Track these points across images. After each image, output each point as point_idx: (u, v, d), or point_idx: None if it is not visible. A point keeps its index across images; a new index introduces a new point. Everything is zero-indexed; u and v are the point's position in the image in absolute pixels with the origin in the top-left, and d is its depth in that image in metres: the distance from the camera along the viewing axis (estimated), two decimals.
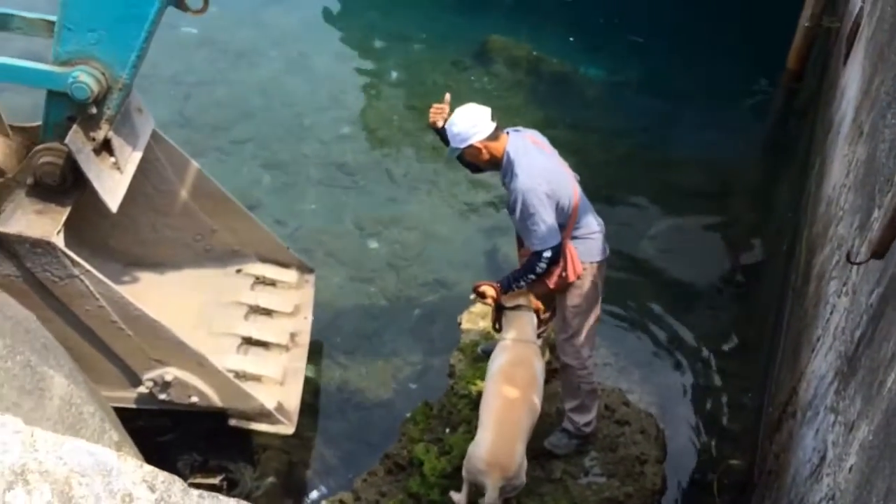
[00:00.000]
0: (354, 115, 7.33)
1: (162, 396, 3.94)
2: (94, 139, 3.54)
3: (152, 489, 1.26)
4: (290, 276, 4.86)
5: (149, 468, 1.29)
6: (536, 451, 4.13)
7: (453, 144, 3.67)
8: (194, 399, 3.95)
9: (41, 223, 3.53)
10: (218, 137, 6.74)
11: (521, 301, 3.91)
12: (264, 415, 4.05)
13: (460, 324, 4.96)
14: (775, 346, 4.91)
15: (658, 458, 4.25)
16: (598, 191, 6.46)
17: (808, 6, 7.20)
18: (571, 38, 8.47)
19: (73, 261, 3.51)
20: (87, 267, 3.55)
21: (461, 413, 4.33)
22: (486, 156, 3.67)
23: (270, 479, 4.31)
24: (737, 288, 5.78)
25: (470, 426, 4.16)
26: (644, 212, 6.34)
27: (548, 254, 3.56)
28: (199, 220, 4.65)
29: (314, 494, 4.37)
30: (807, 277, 4.33)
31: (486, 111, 3.67)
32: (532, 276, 3.67)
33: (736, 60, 7.99)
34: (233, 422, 4.07)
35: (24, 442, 1.22)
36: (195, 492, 1.33)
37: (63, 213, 3.61)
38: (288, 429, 4.13)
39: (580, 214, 3.75)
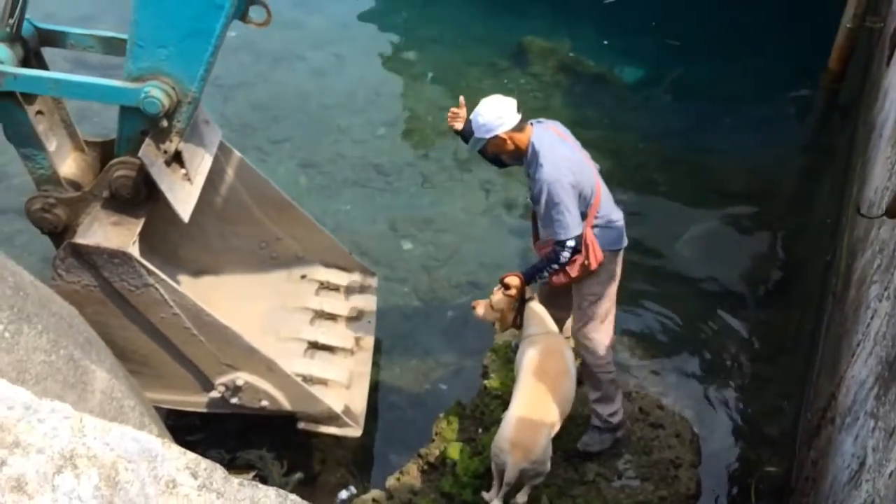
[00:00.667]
0: (390, 116, 7.39)
1: (233, 401, 4.03)
2: (165, 152, 3.62)
3: (195, 476, 1.30)
4: (353, 280, 4.98)
5: (192, 455, 1.32)
6: (570, 452, 4.13)
7: (478, 135, 3.64)
8: (264, 403, 4.03)
9: (117, 234, 3.62)
10: (256, 138, 6.83)
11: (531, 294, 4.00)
12: (332, 418, 4.12)
13: (493, 325, 4.95)
14: (814, 351, 4.83)
15: (693, 462, 4.21)
16: (635, 192, 6.46)
17: (850, 7, 7.09)
18: (608, 40, 8.44)
19: (148, 270, 3.60)
20: (162, 276, 3.64)
21: (494, 414, 4.33)
22: (510, 147, 3.66)
23: (298, 475, 4.35)
24: (775, 292, 5.69)
25: None
26: (681, 214, 6.28)
27: (571, 243, 3.57)
28: (264, 227, 4.78)
29: (344, 494, 4.40)
30: (847, 282, 4.26)
31: (512, 102, 3.64)
32: (556, 266, 3.67)
33: (776, 62, 7.89)
34: (301, 425, 4.15)
35: (73, 427, 1.26)
36: (235, 479, 1.36)
37: (138, 225, 3.70)
38: (355, 431, 4.20)
39: (601, 204, 3.76)
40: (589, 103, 7.53)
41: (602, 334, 3.96)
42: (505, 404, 4.26)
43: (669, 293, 5.53)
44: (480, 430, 4.29)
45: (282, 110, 7.26)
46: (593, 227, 3.74)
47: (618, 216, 3.87)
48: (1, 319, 2.83)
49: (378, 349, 4.85)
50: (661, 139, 7.13)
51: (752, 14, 8.37)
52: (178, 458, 1.29)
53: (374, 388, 5.01)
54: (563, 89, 7.73)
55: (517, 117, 3.62)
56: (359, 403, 4.36)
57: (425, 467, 4.26)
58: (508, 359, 4.63)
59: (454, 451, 4.11)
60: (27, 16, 3.55)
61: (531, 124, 3.73)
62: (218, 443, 4.37)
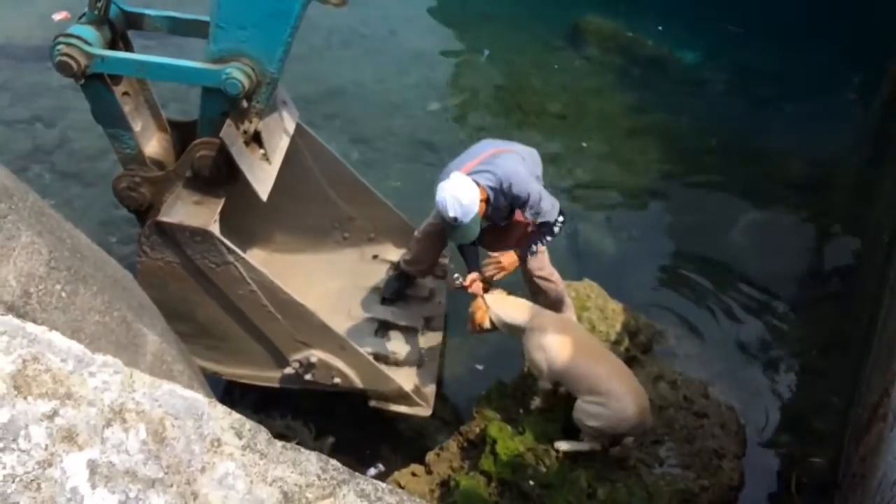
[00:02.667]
0: (443, 93, 7.36)
1: (307, 377, 4.11)
2: (245, 132, 3.68)
3: (239, 436, 1.32)
4: None
5: (237, 416, 1.35)
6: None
7: (471, 216, 3.72)
8: (337, 380, 4.11)
9: (199, 213, 3.69)
10: (309, 112, 6.84)
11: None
12: (402, 397, 4.20)
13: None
14: (868, 347, 4.69)
15: (737, 453, 4.13)
16: (689, 178, 6.35)
17: None
18: (666, 24, 8.23)
19: (228, 248, 3.67)
20: (241, 254, 3.71)
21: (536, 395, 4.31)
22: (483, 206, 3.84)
23: (330, 439, 4.43)
24: (830, 284, 5.55)
25: None
26: (736, 202, 6.16)
27: (561, 217, 4.00)
28: (337, 208, 4.86)
29: (371, 471, 4.45)
30: None
31: (463, 180, 3.75)
32: (550, 238, 4.05)
33: (840, 50, 7.65)
34: (373, 403, 4.24)
35: (123, 382, 1.29)
36: (279, 443, 1.38)
37: (218, 204, 3.77)
38: (425, 411, 4.28)
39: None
40: (645, 86, 7.40)
41: (551, 266, 4.39)
42: None
43: (721, 281, 5.43)
44: (522, 411, 4.27)
45: (335, 85, 7.29)
46: None
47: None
48: (58, 279, 2.90)
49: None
50: (718, 125, 6.98)
51: (821, 2, 8.09)
52: (223, 418, 1.31)
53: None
54: (619, 71, 7.60)
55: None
56: (429, 383, 4.43)
57: (465, 444, 4.26)
58: None
59: (495, 429, 4.10)
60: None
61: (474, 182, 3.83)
62: (247, 406, 4.43)
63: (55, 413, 1.21)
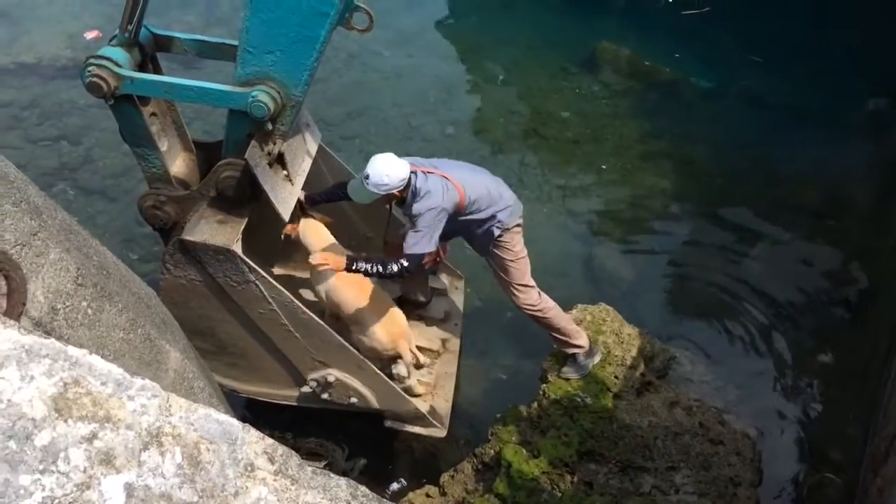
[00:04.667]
0: (460, 116, 7.43)
1: (324, 396, 4.16)
2: (269, 153, 3.72)
3: (272, 461, 1.35)
4: (441, 283, 5.11)
5: (270, 441, 1.37)
6: (624, 463, 4.09)
7: (371, 188, 3.89)
8: (353, 400, 4.16)
9: (222, 232, 3.73)
10: (328, 133, 6.95)
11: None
12: (418, 418, 4.23)
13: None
14: (886, 375, 4.68)
15: (752, 481, 4.12)
16: (704, 203, 6.37)
17: None
18: (682, 51, 8.29)
19: (249, 267, 3.70)
20: (262, 273, 3.74)
21: (551, 418, 4.31)
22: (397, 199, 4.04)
23: (362, 461, 4.49)
24: (846, 311, 5.53)
25: (560, 432, 4.15)
26: (750, 227, 6.16)
27: (404, 264, 3.87)
28: (355, 227, 4.93)
29: (395, 486, 4.47)
30: None
31: (396, 160, 3.90)
32: (382, 272, 3.91)
33: (856, 80, 7.69)
34: (388, 423, 4.27)
35: (160, 406, 1.32)
36: (309, 468, 1.41)
37: (241, 223, 3.80)
38: (440, 432, 4.30)
39: (479, 201, 4.08)
40: (660, 112, 7.44)
41: (528, 285, 4.44)
42: (564, 410, 4.27)
43: (736, 307, 5.44)
44: (537, 435, 4.28)
45: (354, 107, 7.37)
46: (483, 219, 4.15)
47: (509, 200, 4.22)
48: (85, 296, 2.95)
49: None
50: (734, 151, 7.00)
51: (835, 31, 8.13)
52: (256, 443, 1.34)
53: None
54: (634, 97, 7.65)
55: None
56: (444, 404, 4.45)
57: (480, 467, 4.28)
58: None
59: (510, 452, 4.11)
60: (144, 22, 3.66)
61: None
62: (280, 427, 4.51)
63: (94, 436, 1.24)
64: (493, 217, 4.16)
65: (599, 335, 4.67)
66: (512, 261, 4.36)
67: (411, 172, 3.92)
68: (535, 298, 4.41)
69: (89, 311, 2.93)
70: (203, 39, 3.86)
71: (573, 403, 4.31)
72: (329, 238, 4.34)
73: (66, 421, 1.23)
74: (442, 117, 7.35)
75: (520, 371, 5.17)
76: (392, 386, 4.16)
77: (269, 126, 3.59)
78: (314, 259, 4.02)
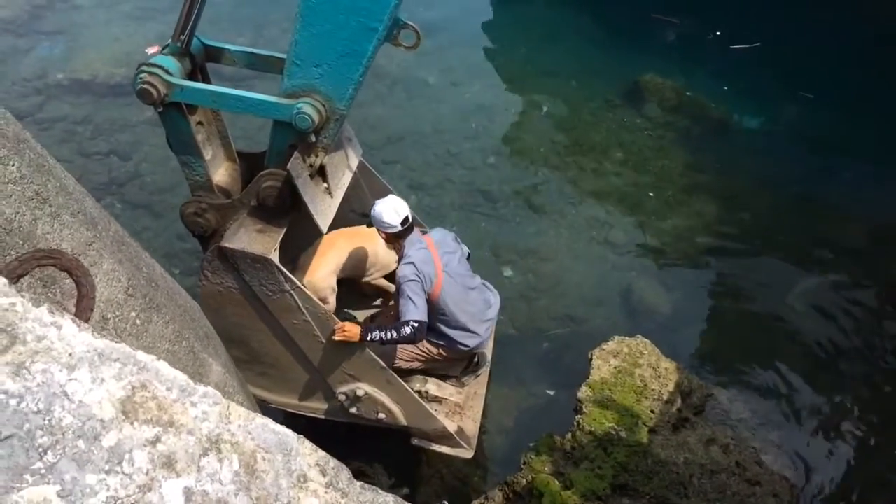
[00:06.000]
0: (501, 145, 7.47)
1: (352, 410, 4.18)
2: (311, 165, 3.77)
3: (324, 473, 1.37)
4: None
5: (322, 453, 1.40)
6: (658, 499, 4.03)
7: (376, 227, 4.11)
8: (381, 415, 4.17)
9: (261, 241, 3.79)
10: (370, 157, 6.98)
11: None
12: (445, 437, 4.22)
13: (590, 360, 4.92)
14: None
15: None
16: (747, 240, 6.31)
17: None
18: (729, 85, 8.27)
19: (286, 277, 3.76)
20: (298, 283, 3.80)
21: (585, 450, 4.28)
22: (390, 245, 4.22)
23: (405, 491, 4.51)
24: (891, 357, 5.42)
25: (594, 464, 4.12)
26: (794, 265, 6.09)
27: (407, 330, 3.89)
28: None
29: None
30: None
31: (403, 208, 4.05)
32: (387, 336, 3.93)
33: None
34: (415, 441, 4.28)
35: (220, 413, 1.35)
36: (358, 483, 1.43)
37: (279, 233, 3.85)
38: (467, 453, 4.28)
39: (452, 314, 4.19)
40: (704, 146, 7.41)
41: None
42: (598, 442, 4.23)
43: (776, 345, 5.36)
44: (571, 466, 4.25)
45: (396, 132, 7.46)
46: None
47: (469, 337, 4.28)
48: (134, 307, 3.01)
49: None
50: (779, 187, 6.94)
51: (887, 69, 8.06)
52: (310, 455, 1.37)
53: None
54: (678, 130, 7.63)
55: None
56: (472, 425, 4.43)
57: (511, 496, 4.24)
58: (604, 396, 4.58)
59: (543, 482, 4.08)
60: (196, 33, 3.75)
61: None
62: (325, 446, 4.50)
63: (157, 439, 1.28)
64: (448, 336, 4.26)
65: (636, 368, 4.63)
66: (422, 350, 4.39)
67: (417, 241, 4.07)
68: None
69: (138, 321, 2.99)
70: (252, 52, 3.91)
71: (608, 436, 4.27)
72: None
73: (132, 423, 1.26)
74: (484, 145, 7.40)
75: (554, 401, 5.15)
76: (420, 403, 4.16)
77: (313, 138, 3.62)
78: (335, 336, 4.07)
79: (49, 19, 8.85)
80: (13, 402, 1.20)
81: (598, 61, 8.71)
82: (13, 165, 2.51)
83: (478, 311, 4.33)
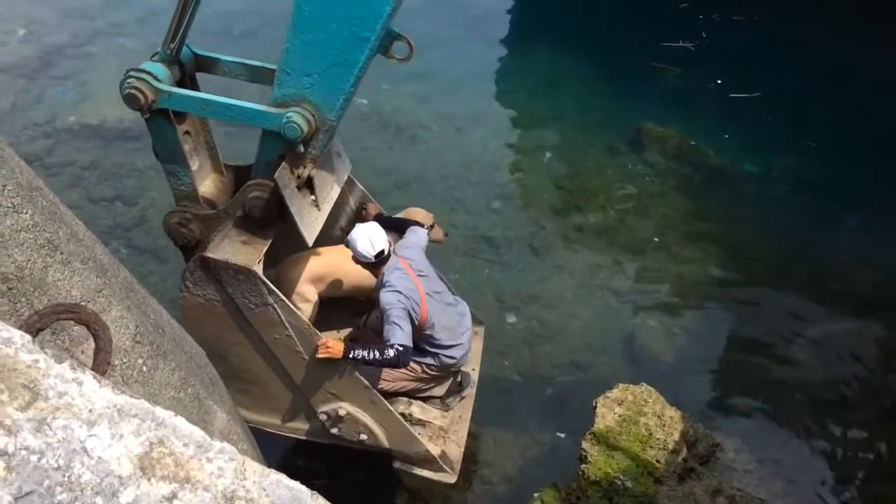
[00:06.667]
0: (505, 191, 7.54)
1: (333, 430, 4.09)
2: (298, 177, 3.71)
3: None
4: None
5: None
6: None
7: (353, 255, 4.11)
8: (363, 437, 4.08)
9: (245, 252, 3.74)
10: (377, 202, 7.11)
11: None
12: (428, 461, 4.13)
13: (595, 407, 4.90)
14: None
15: None
16: (750, 288, 6.32)
17: None
18: (730, 133, 8.35)
19: (269, 289, 3.69)
20: (281, 296, 3.73)
21: (591, 500, 4.24)
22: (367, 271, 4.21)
23: None
24: None
25: None
26: (798, 314, 6.09)
27: (391, 353, 3.82)
28: None
29: None
30: None
31: (382, 241, 4.06)
32: (379, 358, 3.85)
33: None
34: (397, 464, 4.19)
35: (236, 469, 1.36)
36: None
37: (264, 245, 3.80)
38: (450, 478, 4.20)
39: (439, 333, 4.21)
40: (706, 193, 7.47)
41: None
42: (604, 492, 4.19)
43: (782, 396, 5.34)
44: None
45: (402, 178, 7.53)
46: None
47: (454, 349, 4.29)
48: (141, 354, 3.03)
49: (475, 416, 4.84)
50: (781, 235, 6.97)
51: (889, 118, 8.17)
52: None
53: (467, 459, 5.02)
54: (680, 177, 7.70)
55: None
56: (456, 450, 4.34)
57: None
58: (610, 445, 4.55)
59: None
60: (187, 42, 3.72)
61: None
62: (342, 491, 4.47)
63: (174, 496, 1.29)
64: (436, 355, 4.27)
65: (641, 416, 4.61)
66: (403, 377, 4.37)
67: (397, 268, 4.06)
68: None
69: (144, 368, 3.00)
70: (243, 62, 3.89)
71: (613, 486, 4.24)
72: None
73: (149, 480, 1.27)
74: (487, 191, 7.46)
75: (558, 448, 5.11)
76: (404, 425, 4.07)
77: (301, 148, 3.60)
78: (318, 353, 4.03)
79: (60, 65, 9.00)
80: (34, 458, 1.21)
81: (601, 109, 8.82)
82: (26, 213, 2.54)
83: (455, 324, 4.33)
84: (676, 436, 4.56)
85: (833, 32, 9.76)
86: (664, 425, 4.61)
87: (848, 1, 10.05)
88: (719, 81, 9.06)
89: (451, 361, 4.29)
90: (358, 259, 4.07)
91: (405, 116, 8.42)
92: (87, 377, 1.32)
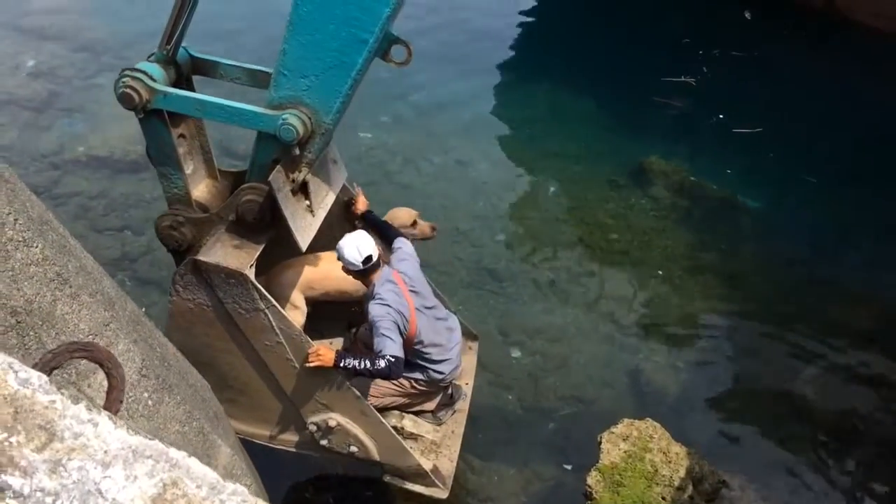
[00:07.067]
0: (509, 224, 7.56)
1: (323, 442, 4.02)
2: (293, 181, 3.67)
3: None
4: None
5: None
6: None
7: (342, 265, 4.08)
8: (353, 449, 4.01)
9: (237, 256, 3.69)
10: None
11: None
12: (419, 475, 4.06)
13: (600, 443, 4.87)
14: None
15: None
16: (753, 322, 6.31)
17: None
18: (734, 167, 8.39)
19: (260, 294, 3.65)
20: (273, 301, 3.69)
21: None
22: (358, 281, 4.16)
23: None
24: None
25: None
26: (801, 348, 6.08)
27: (381, 364, 3.78)
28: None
29: None
30: None
31: (370, 247, 4.03)
32: (370, 368, 3.80)
33: None
34: (387, 478, 4.12)
35: None
36: None
37: (257, 250, 3.76)
38: (442, 493, 4.13)
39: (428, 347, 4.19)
40: (708, 227, 7.50)
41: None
42: None
43: (789, 432, 5.32)
44: None
45: None
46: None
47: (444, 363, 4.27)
48: (147, 387, 3.03)
49: (477, 450, 4.81)
50: (784, 269, 6.99)
51: (887, 152, 8.22)
52: None
53: (470, 494, 4.98)
54: (682, 211, 7.74)
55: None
56: (448, 464, 4.26)
57: None
58: (615, 481, 4.52)
59: None
60: (184, 44, 3.73)
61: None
62: None
63: None
64: (425, 370, 4.25)
65: (646, 452, 4.58)
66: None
67: (389, 281, 4.03)
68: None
69: (150, 402, 3.01)
70: (239, 65, 3.87)
71: None
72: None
73: None
74: (491, 224, 7.49)
75: (562, 484, 5.07)
76: (395, 437, 4.01)
77: (297, 151, 3.56)
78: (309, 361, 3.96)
79: (68, 97, 9.09)
80: (49, 499, 1.22)
81: (603, 143, 8.88)
82: (36, 247, 2.57)
83: (445, 340, 4.29)
84: (682, 472, 4.53)
85: (833, 65, 9.88)
86: (670, 462, 4.58)
87: (846, 41, 10.20)
88: (721, 116, 9.13)
89: (439, 377, 4.26)
90: (347, 269, 4.03)
91: (408, 150, 8.48)
92: (103, 418, 1.33)
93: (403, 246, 4.40)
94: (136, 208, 7.19)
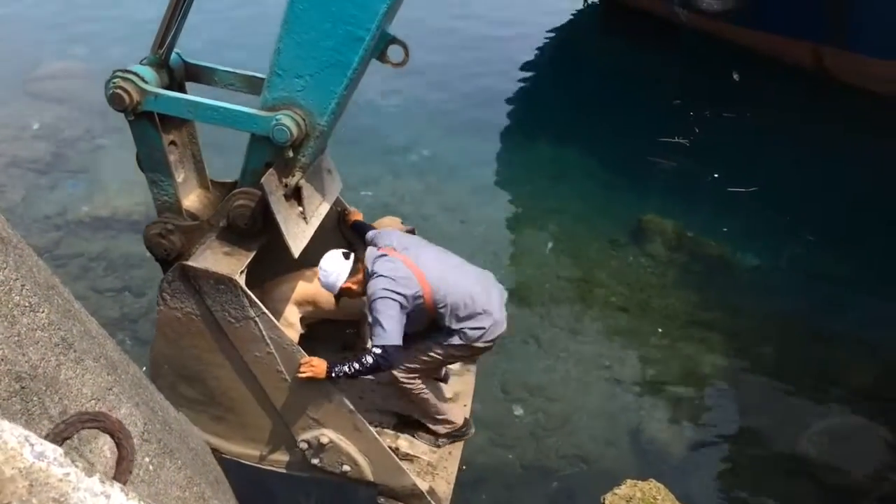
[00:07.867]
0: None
1: (314, 461, 3.88)
2: (286, 185, 3.60)
3: None
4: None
5: None
6: None
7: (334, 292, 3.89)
8: (346, 468, 3.87)
9: (227, 262, 3.60)
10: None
11: None
12: (415, 496, 3.90)
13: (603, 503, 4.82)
14: None
15: None
16: (754, 379, 6.30)
17: None
18: (731, 225, 8.44)
19: (250, 301, 3.55)
20: (263, 309, 3.58)
21: None
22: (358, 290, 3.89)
23: None
24: None
25: None
26: (802, 407, 6.05)
27: (377, 351, 3.62)
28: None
29: None
30: None
31: (337, 254, 3.85)
32: (360, 370, 3.67)
33: None
34: (381, 500, 3.97)
35: None
36: None
37: (248, 256, 3.67)
38: None
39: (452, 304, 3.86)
40: (707, 284, 7.53)
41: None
42: None
43: (795, 492, 5.27)
44: None
45: None
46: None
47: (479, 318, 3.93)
48: (148, 452, 3.02)
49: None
50: (784, 325, 6.98)
51: (885, 211, 8.32)
52: None
53: None
54: (681, 269, 7.78)
55: (348, 265, 3.83)
56: (444, 486, 4.11)
57: None
58: None
59: None
60: (178, 50, 3.72)
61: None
62: None
63: None
64: (460, 331, 3.92)
65: None
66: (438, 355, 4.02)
67: (379, 255, 3.84)
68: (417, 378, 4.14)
69: (150, 467, 2.99)
70: (233, 71, 3.83)
71: None
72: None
73: None
74: None
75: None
76: (391, 456, 3.87)
77: (290, 154, 3.48)
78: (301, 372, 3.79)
79: (72, 158, 9.22)
80: None
81: (603, 200, 8.97)
82: (42, 312, 2.59)
83: (476, 289, 3.93)
84: None
85: (825, 125, 10.04)
86: None
87: (836, 101, 10.39)
88: (716, 175, 9.24)
89: (477, 333, 3.90)
90: (337, 292, 3.88)
91: (408, 207, 8.56)
92: (115, 490, 1.34)
93: (382, 230, 4.23)
94: (137, 268, 7.22)
